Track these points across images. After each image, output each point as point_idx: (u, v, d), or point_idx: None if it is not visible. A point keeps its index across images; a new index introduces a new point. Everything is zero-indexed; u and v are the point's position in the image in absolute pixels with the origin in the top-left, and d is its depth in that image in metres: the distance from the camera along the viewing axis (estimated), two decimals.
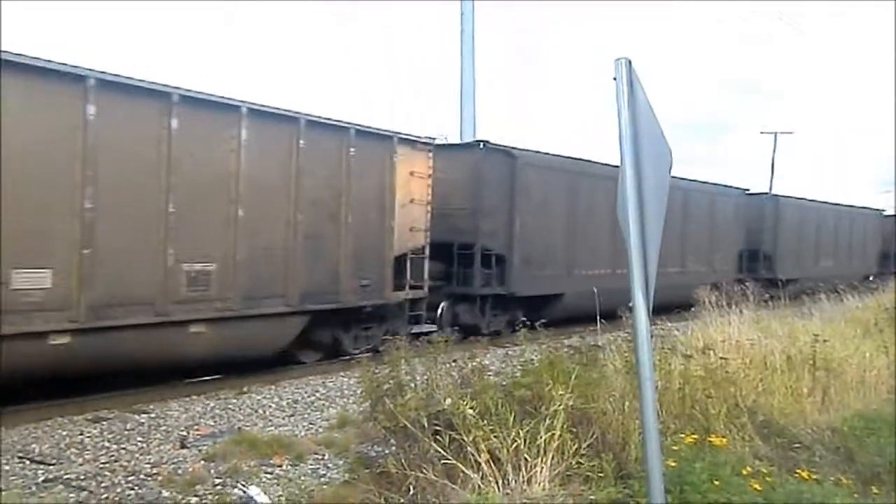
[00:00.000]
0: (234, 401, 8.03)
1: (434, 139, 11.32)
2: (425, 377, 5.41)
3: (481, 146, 12.85)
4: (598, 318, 7.21)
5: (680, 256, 16.94)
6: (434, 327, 11.70)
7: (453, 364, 5.62)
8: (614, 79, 2.77)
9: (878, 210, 29.14)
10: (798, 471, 4.89)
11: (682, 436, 4.92)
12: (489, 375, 5.66)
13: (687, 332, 9.04)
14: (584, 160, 14.73)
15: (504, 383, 5.49)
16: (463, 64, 16.30)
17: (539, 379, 5.16)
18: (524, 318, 13.03)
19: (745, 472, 4.49)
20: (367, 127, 10.21)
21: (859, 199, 38.45)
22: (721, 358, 6.41)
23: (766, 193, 22.44)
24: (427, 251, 11.30)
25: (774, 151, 38.95)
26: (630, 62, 2.77)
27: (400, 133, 10.69)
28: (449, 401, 4.84)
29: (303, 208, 9.26)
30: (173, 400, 7.89)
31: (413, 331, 11.09)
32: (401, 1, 50.69)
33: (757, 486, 4.31)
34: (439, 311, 12.16)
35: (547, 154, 14.03)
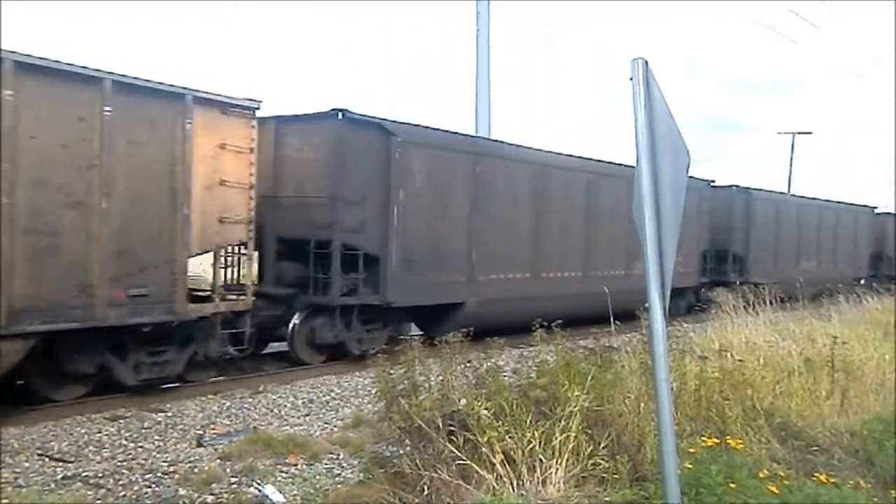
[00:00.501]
0: (250, 400, 8.09)
1: (258, 102, 8.59)
2: (440, 378, 5.42)
3: (340, 116, 9.83)
4: (611, 319, 7.17)
5: (625, 258, 14.38)
6: (283, 346, 9.78)
7: (468, 364, 5.63)
8: (630, 79, 2.76)
9: (869, 207, 26.62)
10: (816, 474, 4.84)
11: (699, 438, 4.88)
12: (504, 376, 5.66)
13: (703, 333, 8.97)
14: (492, 140, 12.17)
15: (519, 384, 5.49)
16: (478, 63, 16.27)
17: (554, 380, 5.15)
18: (418, 333, 10.56)
19: (761, 475, 4.45)
20: (137, 79, 7.38)
21: (875, 199, 37.45)
22: (738, 360, 6.36)
23: (736, 186, 19.31)
24: (251, 248, 8.84)
25: (793, 152, 38.53)
26: (647, 62, 2.76)
27: (198, 91, 7.91)
28: (464, 401, 4.84)
29: (17, 188, 6.56)
30: (189, 399, 7.96)
31: (252, 352, 9.18)
32: (400, 1, 50.90)
33: (774, 490, 4.27)
34: (290, 326, 9.74)
35: (437, 130, 11.12)
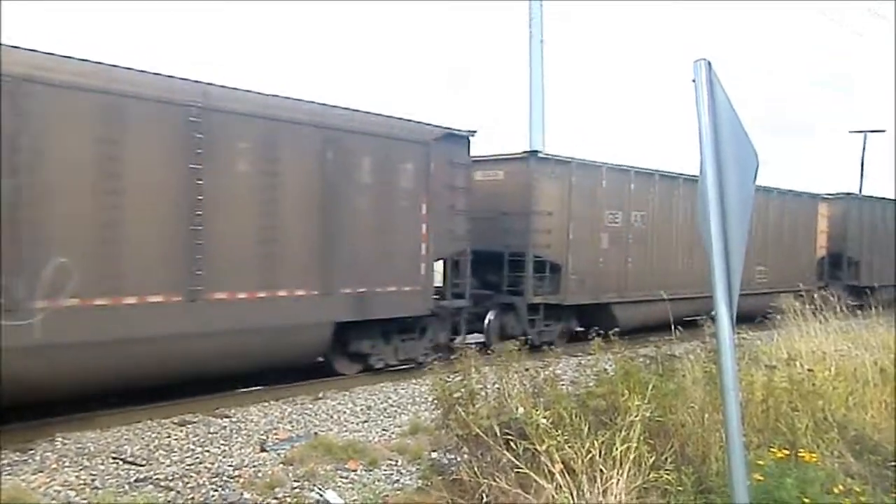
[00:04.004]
0: (311, 406, 8.24)
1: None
2: (496, 386, 5.40)
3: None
4: (672, 326, 7.00)
5: None
6: None
7: (525, 373, 5.59)
8: (693, 81, 2.70)
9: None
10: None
11: (768, 450, 4.71)
12: (562, 385, 5.60)
13: (769, 341, 8.67)
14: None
15: (577, 393, 5.42)
16: (532, 69, 16.25)
17: (614, 389, 5.07)
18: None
19: (836, 490, 4.26)
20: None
21: None
22: (807, 369, 6.12)
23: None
24: None
25: (864, 151, 36.71)
26: (710, 63, 2.69)
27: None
28: (522, 410, 4.81)
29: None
30: (253, 405, 8.17)
31: None
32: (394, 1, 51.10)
33: None
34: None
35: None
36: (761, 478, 4.07)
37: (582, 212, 12.50)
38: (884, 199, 21.88)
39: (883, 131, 40.26)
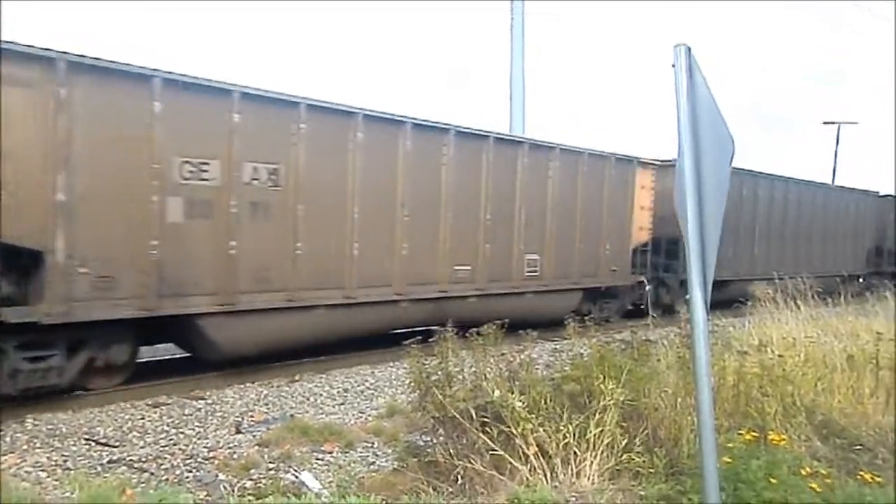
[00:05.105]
0: (287, 388, 8.22)
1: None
2: (473, 369, 5.43)
3: None
4: (648, 312, 7.08)
5: None
6: None
7: (502, 356, 5.63)
8: (672, 66, 2.71)
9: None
10: (860, 473, 4.74)
11: (737, 433, 4.81)
12: (537, 369, 5.64)
13: (741, 328, 8.82)
14: None
15: (553, 377, 5.47)
16: (513, 59, 16.19)
17: (589, 373, 5.12)
18: None
19: (803, 473, 4.36)
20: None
21: None
22: (777, 355, 6.24)
23: None
24: None
25: (838, 143, 37.35)
26: (689, 49, 2.70)
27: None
28: (497, 393, 4.85)
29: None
30: (228, 387, 8.12)
31: None
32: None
33: (816, 487, 4.18)
34: None
35: None
36: (730, 460, 4.15)
37: (106, 155, 6.84)
38: (748, 171, 16.68)
39: (856, 123, 40.98)
